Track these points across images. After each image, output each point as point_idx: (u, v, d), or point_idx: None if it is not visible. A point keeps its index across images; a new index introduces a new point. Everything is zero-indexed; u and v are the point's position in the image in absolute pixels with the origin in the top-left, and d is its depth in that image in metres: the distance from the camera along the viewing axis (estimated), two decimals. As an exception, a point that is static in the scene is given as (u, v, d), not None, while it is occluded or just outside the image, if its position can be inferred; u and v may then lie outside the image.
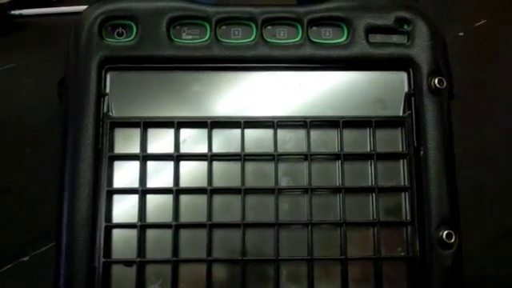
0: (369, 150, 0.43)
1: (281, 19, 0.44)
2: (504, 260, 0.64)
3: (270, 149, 0.43)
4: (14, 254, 0.60)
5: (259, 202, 0.42)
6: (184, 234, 0.42)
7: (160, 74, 0.44)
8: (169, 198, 0.42)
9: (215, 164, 0.43)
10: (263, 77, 0.45)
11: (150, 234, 0.42)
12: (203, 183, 0.42)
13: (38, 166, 0.71)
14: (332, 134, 0.44)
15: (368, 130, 0.44)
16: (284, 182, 0.43)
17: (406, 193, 0.42)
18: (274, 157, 0.42)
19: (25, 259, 0.59)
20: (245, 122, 0.43)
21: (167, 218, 0.42)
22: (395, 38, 0.44)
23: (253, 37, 0.44)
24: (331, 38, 0.45)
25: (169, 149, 0.43)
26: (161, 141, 0.43)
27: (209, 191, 0.42)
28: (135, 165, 0.42)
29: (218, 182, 0.42)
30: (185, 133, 0.43)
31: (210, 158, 0.42)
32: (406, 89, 0.44)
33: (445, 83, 0.43)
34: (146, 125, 0.43)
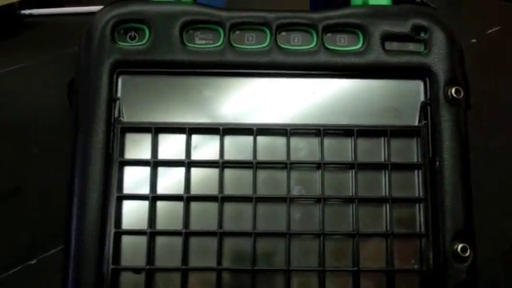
0: (383, 159, 0.43)
1: (295, 25, 0.44)
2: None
3: (282, 157, 0.42)
4: (22, 257, 0.59)
5: (270, 211, 0.42)
6: (194, 241, 0.41)
7: (172, 79, 0.44)
8: (179, 204, 0.41)
9: (226, 171, 0.42)
10: (276, 83, 0.44)
11: (160, 240, 0.41)
12: (214, 190, 0.42)
13: (45, 167, 0.70)
14: (346, 143, 0.43)
15: (383, 139, 0.43)
16: (296, 191, 0.42)
17: (421, 204, 0.42)
18: (287, 165, 0.42)
19: (32, 262, 0.59)
20: (257, 129, 0.42)
21: (177, 224, 0.41)
22: (412, 46, 0.44)
23: (267, 42, 0.44)
24: (346, 44, 0.44)
25: (179, 155, 0.42)
26: (171, 146, 0.43)
27: (220, 199, 0.41)
28: (145, 170, 0.42)
29: (228, 190, 0.42)
30: (196, 139, 0.43)
31: (221, 165, 0.42)
32: (422, 98, 0.43)
33: (462, 93, 0.43)
34: (158, 130, 0.42)
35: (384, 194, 0.42)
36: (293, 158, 0.42)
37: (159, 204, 0.42)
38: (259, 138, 0.43)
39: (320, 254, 0.41)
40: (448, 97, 0.42)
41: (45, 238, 0.61)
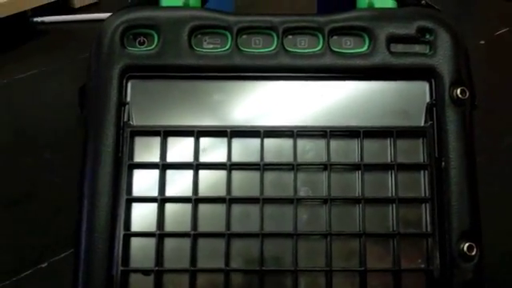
0: (389, 160, 0.43)
1: (302, 28, 0.44)
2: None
3: (289, 158, 0.43)
4: (33, 260, 0.60)
5: (278, 212, 0.42)
6: (202, 243, 0.42)
7: (180, 83, 0.44)
8: (187, 206, 0.42)
9: (234, 173, 0.43)
10: (284, 86, 0.44)
11: (168, 242, 0.42)
12: (221, 192, 0.42)
13: (57, 171, 0.71)
14: (352, 144, 0.43)
15: (389, 140, 0.43)
16: (303, 192, 0.42)
17: (427, 204, 0.42)
18: (294, 166, 0.42)
19: (43, 265, 0.60)
20: (264, 131, 0.43)
21: (185, 226, 0.41)
22: (417, 48, 0.44)
23: (274, 46, 0.44)
24: (352, 47, 0.44)
25: (188, 157, 0.43)
26: (179, 149, 0.43)
27: (228, 201, 0.42)
28: (154, 173, 0.42)
29: (236, 192, 0.42)
30: (204, 141, 0.43)
31: (229, 167, 0.42)
32: (427, 99, 0.44)
33: (467, 93, 0.43)
34: (166, 134, 0.43)
35: (390, 195, 0.42)
36: (300, 159, 0.43)
37: (168, 206, 0.42)
38: (266, 140, 0.43)
39: (327, 254, 0.41)
40: (453, 97, 0.43)
41: (56, 241, 0.62)
